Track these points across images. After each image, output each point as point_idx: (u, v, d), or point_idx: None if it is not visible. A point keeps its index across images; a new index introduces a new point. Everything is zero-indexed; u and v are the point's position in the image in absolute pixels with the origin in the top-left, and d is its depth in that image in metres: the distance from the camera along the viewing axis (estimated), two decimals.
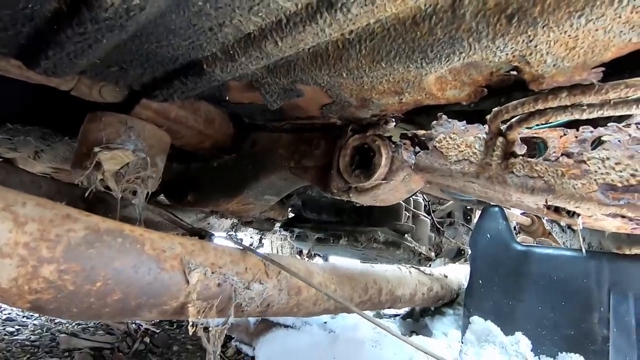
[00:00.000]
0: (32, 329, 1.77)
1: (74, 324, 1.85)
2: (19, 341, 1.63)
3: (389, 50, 0.68)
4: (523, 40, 0.58)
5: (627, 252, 1.35)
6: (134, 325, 1.87)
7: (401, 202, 1.86)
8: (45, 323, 1.85)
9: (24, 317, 1.91)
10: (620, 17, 0.51)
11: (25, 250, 0.56)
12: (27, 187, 1.54)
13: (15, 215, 0.57)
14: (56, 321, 1.88)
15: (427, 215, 2.28)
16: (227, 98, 1.01)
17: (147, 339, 1.76)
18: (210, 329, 0.82)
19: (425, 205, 2.33)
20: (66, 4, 0.57)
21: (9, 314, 1.93)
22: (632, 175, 0.67)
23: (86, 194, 0.93)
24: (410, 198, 2.09)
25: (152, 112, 1.05)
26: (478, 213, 2.24)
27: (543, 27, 0.55)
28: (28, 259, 0.56)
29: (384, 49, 0.68)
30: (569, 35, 0.56)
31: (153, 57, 0.77)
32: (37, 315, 1.94)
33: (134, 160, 0.98)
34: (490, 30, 0.58)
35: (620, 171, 0.69)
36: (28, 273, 0.56)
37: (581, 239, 1.53)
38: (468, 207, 2.91)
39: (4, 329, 1.74)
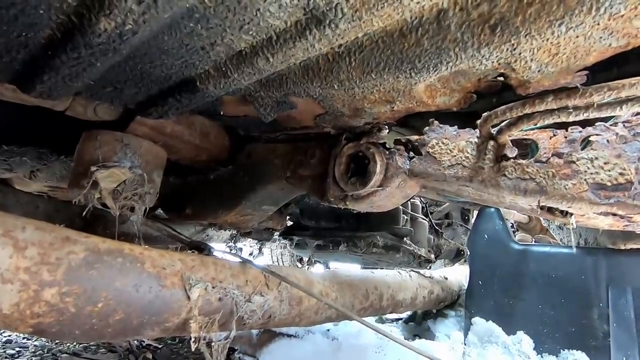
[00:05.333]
0: (33, 350, 1.76)
1: (75, 343, 1.84)
2: None
3: (378, 61, 0.69)
4: (507, 49, 0.60)
5: (623, 247, 1.37)
6: (136, 342, 1.86)
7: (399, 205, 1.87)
8: (47, 344, 1.83)
9: (24, 338, 1.89)
10: (598, 24, 0.53)
11: (26, 274, 0.57)
12: (24, 207, 1.54)
13: (15, 241, 0.57)
14: (57, 341, 1.87)
15: (425, 218, 2.29)
16: (222, 112, 1.02)
17: (149, 355, 1.75)
18: (213, 343, 0.83)
19: (422, 208, 2.34)
20: (60, 30, 0.58)
21: (9, 336, 1.91)
22: (621, 174, 0.69)
23: (84, 213, 0.94)
24: (408, 201, 2.09)
25: (147, 128, 1.05)
26: (476, 213, 2.25)
27: (525, 35, 0.57)
28: (29, 284, 0.57)
29: (373, 60, 0.69)
30: (551, 43, 0.57)
31: (147, 76, 0.78)
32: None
33: (131, 177, 0.99)
34: (475, 40, 0.60)
35: (609, 170, 0.71)
36: (30, 297, 0.57)
37: (576, 236, 1.55)
38: (465, 208, 2.93)
39: (5, 351, 1.72)
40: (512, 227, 3.13)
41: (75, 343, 1.82)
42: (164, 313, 0.72)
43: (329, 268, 3.41)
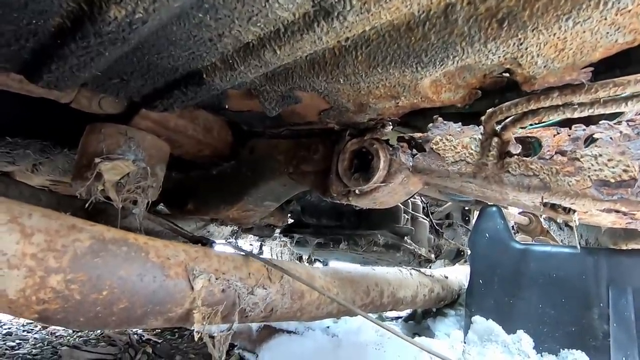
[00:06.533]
0: (33, 342, 1.76)
1: (75, 336, 1.84)
2: (20, 355, 1.62)
3: (385, 55, 0.70)
4: (514, 43, 0.60)
5: (624, 247, 1.37)
6: (135, 335, 1.86)
7: (400, 204, 1.87)
8: (47, 336, 1.84)
9: (24, 330, 1.89)
10: (606, 19, 0.53)
11: (32, 261, 0.57)
12: (26, 200, 1.52)
13: (22, 227, 0.57)
14: (57, 334, 1.87)
15: (425, 217, 2.29)
16: (226, 106, 1.02)
17: (149, 350, 1.75)
18: (215, 335, 0.83)
19: (423, 207, 2.34)
20: (70, 19, 0.59)
21: (9, 328, 1.91)
22: (625, 171, 0.69)
23: (87, 205, 0.94)
24: (409, 200, 2.10)
25: (151, 122, 1.06)
26: (476, 213, 2.26)
27: (533, 30, 0.57)
28: (35, 270, 0.57)
29: (379, 54, 0.70)
30: (558, 38, 0.58)
31: (154, 68, 0.78)
32: (37, 328, 1.92)
33: (134, 170, 0.99)
34: (482, 34, 0.60)
35: (613, 167, 0.71)
36: (35, 284, 0.57)
37: (578, 236, 1.55)
38: (466, 208, 2.94)
39: (5, 343, 1.72)
40: (513, 228, 3.13)
41: (75, 336, 1.83)
42: (168, 303, 0.72)
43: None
